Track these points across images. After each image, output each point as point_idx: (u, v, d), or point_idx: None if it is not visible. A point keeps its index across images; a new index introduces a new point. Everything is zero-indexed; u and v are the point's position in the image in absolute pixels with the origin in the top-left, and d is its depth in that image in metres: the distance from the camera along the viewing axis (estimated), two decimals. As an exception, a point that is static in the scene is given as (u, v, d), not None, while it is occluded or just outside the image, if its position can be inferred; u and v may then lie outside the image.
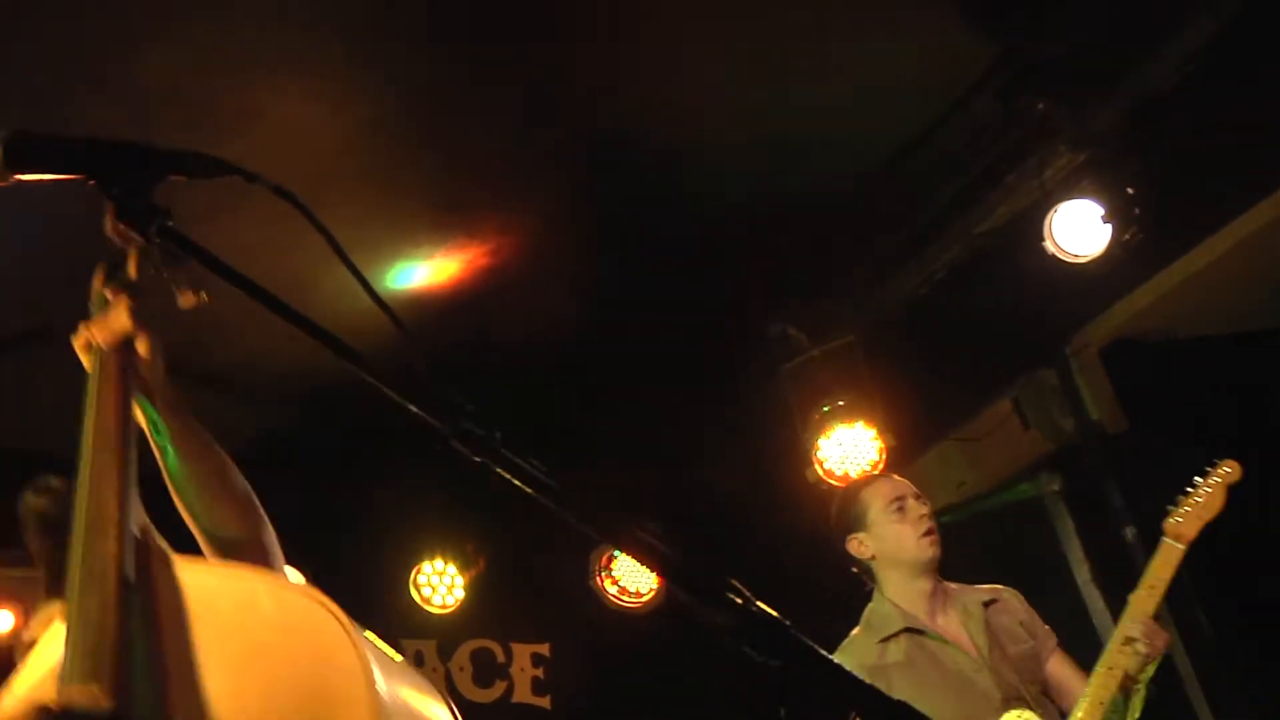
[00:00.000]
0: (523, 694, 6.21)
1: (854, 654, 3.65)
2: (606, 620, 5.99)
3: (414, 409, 1.43)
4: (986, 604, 3.77)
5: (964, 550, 5.23)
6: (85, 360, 1.90)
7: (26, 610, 4.86)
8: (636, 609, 5.95)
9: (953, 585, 3.81)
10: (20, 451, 4.61)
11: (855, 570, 3.85)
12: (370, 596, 5.84)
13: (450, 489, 5.57)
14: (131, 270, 1.91)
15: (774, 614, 1.27)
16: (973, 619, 3.73)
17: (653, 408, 5.49)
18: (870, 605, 3.79)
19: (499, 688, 6.18)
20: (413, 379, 1.49)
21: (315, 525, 5.58)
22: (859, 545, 3.79)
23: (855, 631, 3.75)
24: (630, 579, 5.95)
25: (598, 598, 5.94)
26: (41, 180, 1.54)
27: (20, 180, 1.54)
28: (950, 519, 5.49)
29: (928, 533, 3.72)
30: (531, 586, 6.04)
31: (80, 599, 1.51)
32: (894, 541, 3.74)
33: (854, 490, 3.93)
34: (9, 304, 4.06)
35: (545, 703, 6.23)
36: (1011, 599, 3.84)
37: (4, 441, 4.52)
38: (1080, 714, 3.50)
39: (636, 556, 1.39)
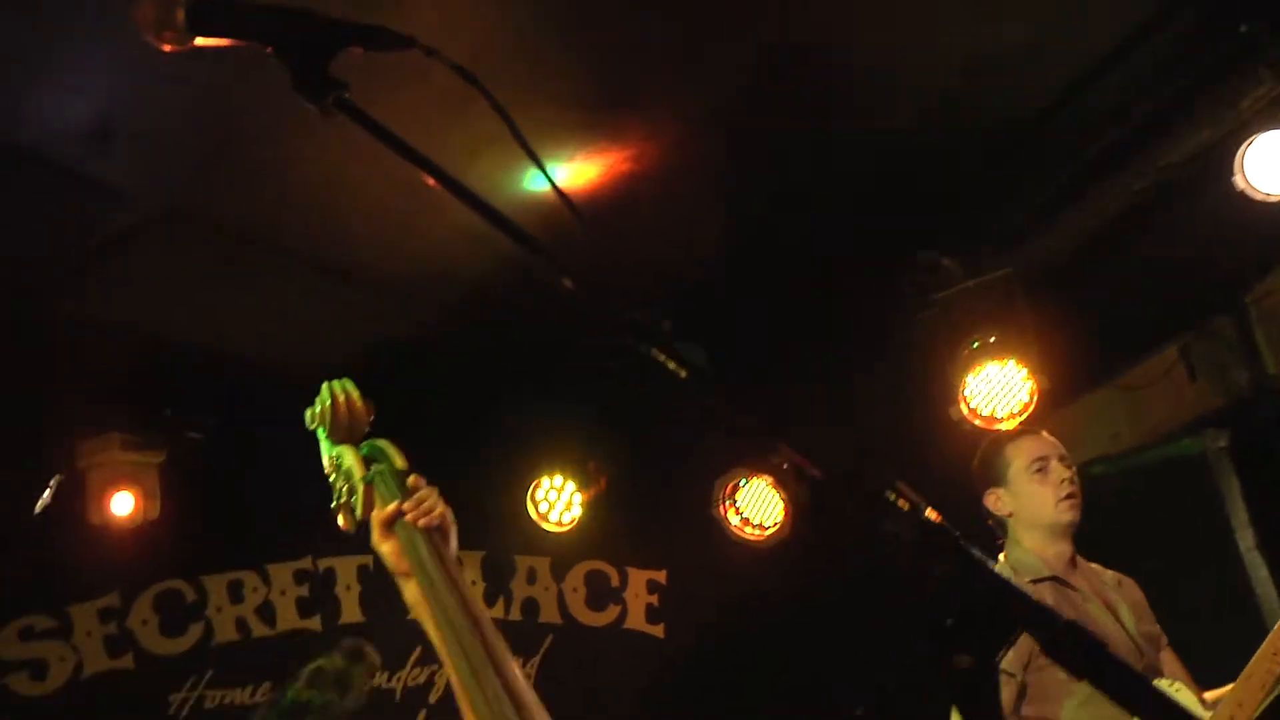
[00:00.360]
0: (636, 620, 6.34)
1: None
2: (727, 552, 6.05)
3: (581, 295, 1.49)
4: (1118, 582, 3.88)
5: (1116, 507, 5.18)
6: (383, 534, 2.32)
7: (146, 494, 5.13)
8: (759, 542, 5.98)
9: (1081, 560, 3.88)
10: (152, 335, 4.84)
11: (990, 524, 3.90)
12: (486, 509, 6.00)
13: (574, 405, 5.69)
14: (399, 461, 2.40)
15: (941, 521, 1.31)
16: (1110, 588, 3.85)
17: (789, 335, 5.51)
18: (1008, 553, 3.86)
19: (612, 612, 6.32)
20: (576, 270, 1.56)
21: (437, 431, 5.76)
22: (996, 501, 3.86)
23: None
24: (754, 510, 5.96)
25: (719, 527, 5.97)
26: (219, 45, 1.62)
27: (198, 45, 1.63)
28: (1102, 472, 5.44)
29: (1068, 496, 3.80)
30: (651, 511, 6.13)
31: None
32: (1033, 502, 3.81)
33: (998, 443, 3.98)
34: (141, 183, 4.22)
35: (658, 631, 6.35)
36: (1135, 586, 3.92)
37: (136, 324, 4.73)
38: (1236, 696, 3.50)
39: (798, 461, 1.44)
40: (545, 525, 5.89)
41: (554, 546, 6.10)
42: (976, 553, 1.31)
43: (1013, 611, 1.29)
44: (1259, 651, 3.52)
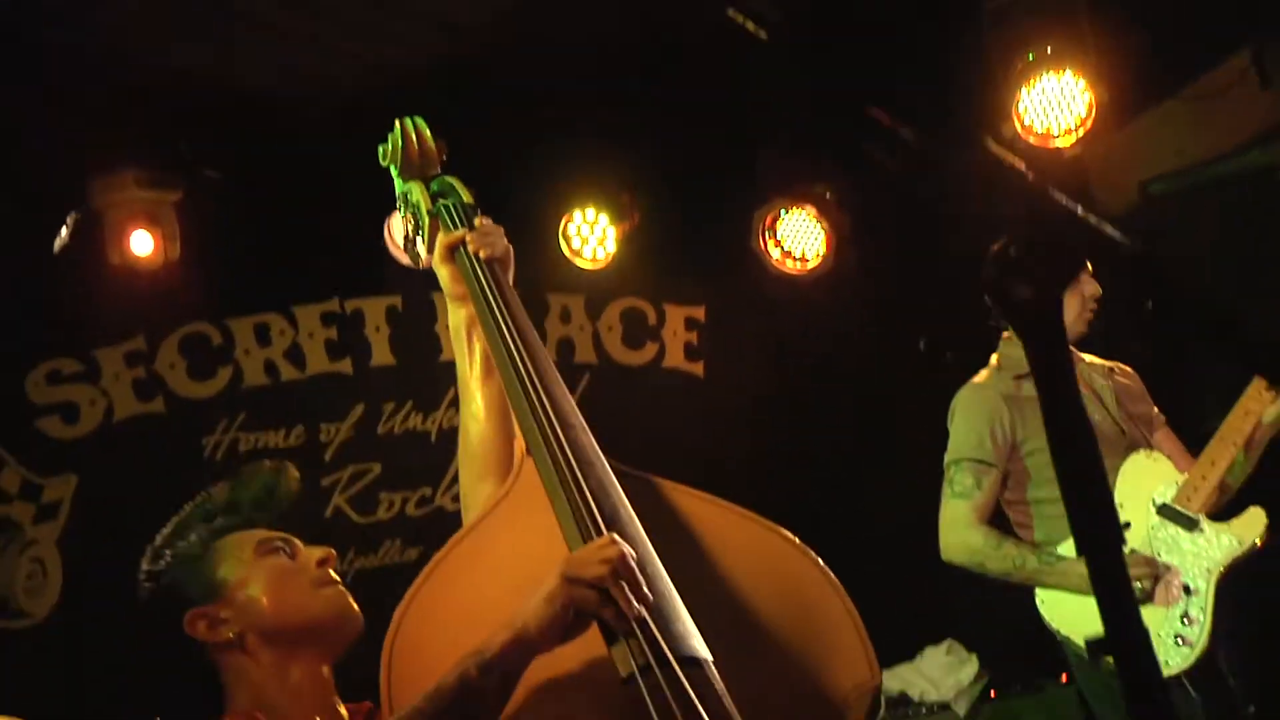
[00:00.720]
0: (674, 358, 6.50)
1: (988, 387, 4.18)
2: (767, 286, 6.15)
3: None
4: (1109, 370, 4.28)
5: (1181, 226, 5.26)
6: (444, 257, 2.51)
7: (165, 235, 5.26)
8: (800, 275, 6.06)
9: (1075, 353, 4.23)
10: (163, 67, 4.89)
11: (993, 322, 4.22)
12: (515, 246, 6.09)
13: (607, 131, 5.68)
14: (466, 196, 2.59)
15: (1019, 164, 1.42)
16: (1098, 375, 4.25)
17: (833, 52, 5.48)
18: (1001, 349, 4.26)
19: (649, 350, 6.47)
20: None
21: (462, 164, 5.81)
22: None
23: (983, 373, 4.25)
24: (795, 242, 5.99)
25: (759, 261, 6.03)
26: None
27: None
28: (1165, 189, 5.49)
29: (1093, 312, 4.13)
30: (688, 245, 6.16)
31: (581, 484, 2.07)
32: None
33: None
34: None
35: (698, 369, 6.52)
36: (1130, 373, 4.32)
37: (145, 54, 4.77)
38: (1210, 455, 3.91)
39: (884, 119, 1.54)
40: (578, 261, 5.90)
41: (588, 284, 6.16)
42: (1048, 190, 1.42)
43: (1080, 242, 1.41)
44: (1232, 411, 3.88)
